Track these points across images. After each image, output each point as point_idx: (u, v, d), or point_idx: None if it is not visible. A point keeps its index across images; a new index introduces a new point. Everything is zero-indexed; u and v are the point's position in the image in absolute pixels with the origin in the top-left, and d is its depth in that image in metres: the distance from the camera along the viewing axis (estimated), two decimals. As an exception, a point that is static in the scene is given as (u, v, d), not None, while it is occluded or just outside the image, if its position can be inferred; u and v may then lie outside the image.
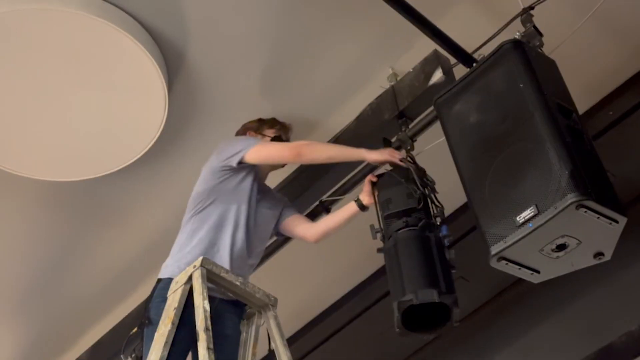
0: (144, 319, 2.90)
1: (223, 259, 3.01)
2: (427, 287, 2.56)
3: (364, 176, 3.42)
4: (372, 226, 2.89)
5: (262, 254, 3.33)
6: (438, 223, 2.83)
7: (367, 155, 3.10)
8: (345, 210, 3.27)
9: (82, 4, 3.05)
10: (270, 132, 3.45)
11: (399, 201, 2.86)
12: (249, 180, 3.20)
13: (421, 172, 2.97)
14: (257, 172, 3.27)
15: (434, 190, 2.93)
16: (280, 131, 3.48)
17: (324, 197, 3.63)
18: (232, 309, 3.04)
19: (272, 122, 3.50)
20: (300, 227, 3.36)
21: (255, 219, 3.19)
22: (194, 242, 3.05)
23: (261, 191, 3.29)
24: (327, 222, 3.36)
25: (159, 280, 3.00)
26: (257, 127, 3.47)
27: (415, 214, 2.80)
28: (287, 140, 3.49)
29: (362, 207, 3.18)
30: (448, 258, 2.69)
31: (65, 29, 3.09)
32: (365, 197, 3.15)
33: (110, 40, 3.13)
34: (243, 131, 3.48)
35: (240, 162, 3.13)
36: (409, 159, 3.03)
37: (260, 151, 3.15)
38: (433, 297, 2.55)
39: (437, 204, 2.90)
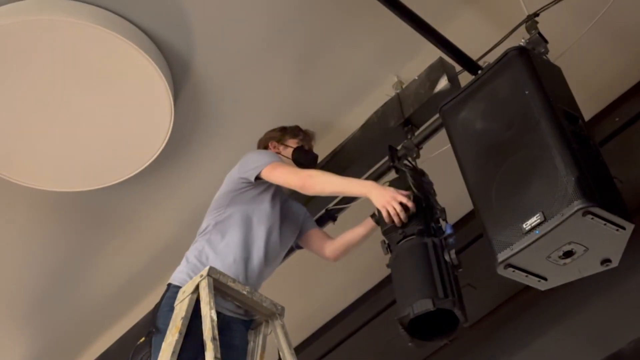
0: (152, 327, 2.90)
1: (239, 272, 3.01)
2: (422, 298, 2.55)
3: (375, 179, 3.43)
4: (382, 242, 2.88)
5: (278, 265, 3.32)
6: (439, 225, 2.82)
7: (372, 195, 2.86)
8: (363, 226, 3.23)
9: (88, 15, 3.07)
10: (293, 143, 3.42)
11: None
12: (269, 194, 3.18)
13: (418, 175, 2.95)
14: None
15: (432, 192, 2.92)
16: (303, 141, 3.44)
17: (330, 206, 3.62)
18: (240, 320, 3.04)
19: (295, 132, 3.46)
20: (318, 243, 3.35)
21: (278, 233, 3.18)
22: (212, 253, 3.03)
23: (283, 203, 3.26)
24: (344, 240, 3.30)
25: (169, 285, 3.01)
26: (279, 136, 3.44)
27: (414, 221, 2.79)
28: (310, 149, 3.46)
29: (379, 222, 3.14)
30: (449, 259, 2.67)
31: (72, 40, 3.10)
32: None
33: (116, 51, 3.14)
34: (265, 140, 3.45)
35: (258, 178, 3.12)
36: (407, 163, 3.00)
37: (272, 172, 3.11)
38: (428, 307, 2.53)
39: (437, 205, 2.88)
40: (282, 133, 3.45)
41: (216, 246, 3.05)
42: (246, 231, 3.09)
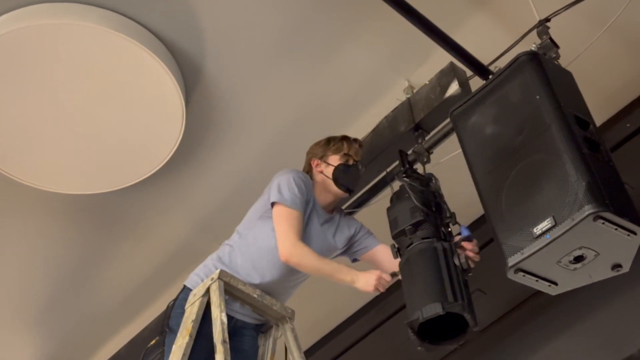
0: (165, 327, 2.92)
1: (263, 285, 3.00)
2: (431, 302, 2.55)
3: (385, 184, 3.42)
4: (392, 246, 2.88)
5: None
6: (449, 229, 2.82)
7: (356, 282, 2.95)
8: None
9: (100, 19, 3.08)
10: (335, 160, 3.21)
11: (404, 217, 2.83)
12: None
13: (425, 181, 2.94)
14: (314, 204, 3.13)
15: (441, 196, 2.91)
16: (347, 156, 3.23)
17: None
18: (251, 325, 3.04)
19: (339, 145, 3.25)
20: (384, 262, 3.19)
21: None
22: (232, 263, 3.01)
23: (318, 224, 3.14)
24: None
25: (184, 287, 3.03)
26: (322, 153, 3.25)
27: (424, 225, 2.79)
28: (355, 162, 3.24)
29: None
30: (458, 263, 2.67)
31: (85, 44, 3.12)
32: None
33: (129, 55, 3.15)
34: (308, 157, 3.29)
35: None
36: (406, 179, 2.97)
37: (275, 214, 3.02)
38: (437, 311, 2.53)
39: (447, 210, 2.87)
40: (326, 148, 3.26)
41: (233, 257, 3.03)
42: (261, 253, 3.02)
